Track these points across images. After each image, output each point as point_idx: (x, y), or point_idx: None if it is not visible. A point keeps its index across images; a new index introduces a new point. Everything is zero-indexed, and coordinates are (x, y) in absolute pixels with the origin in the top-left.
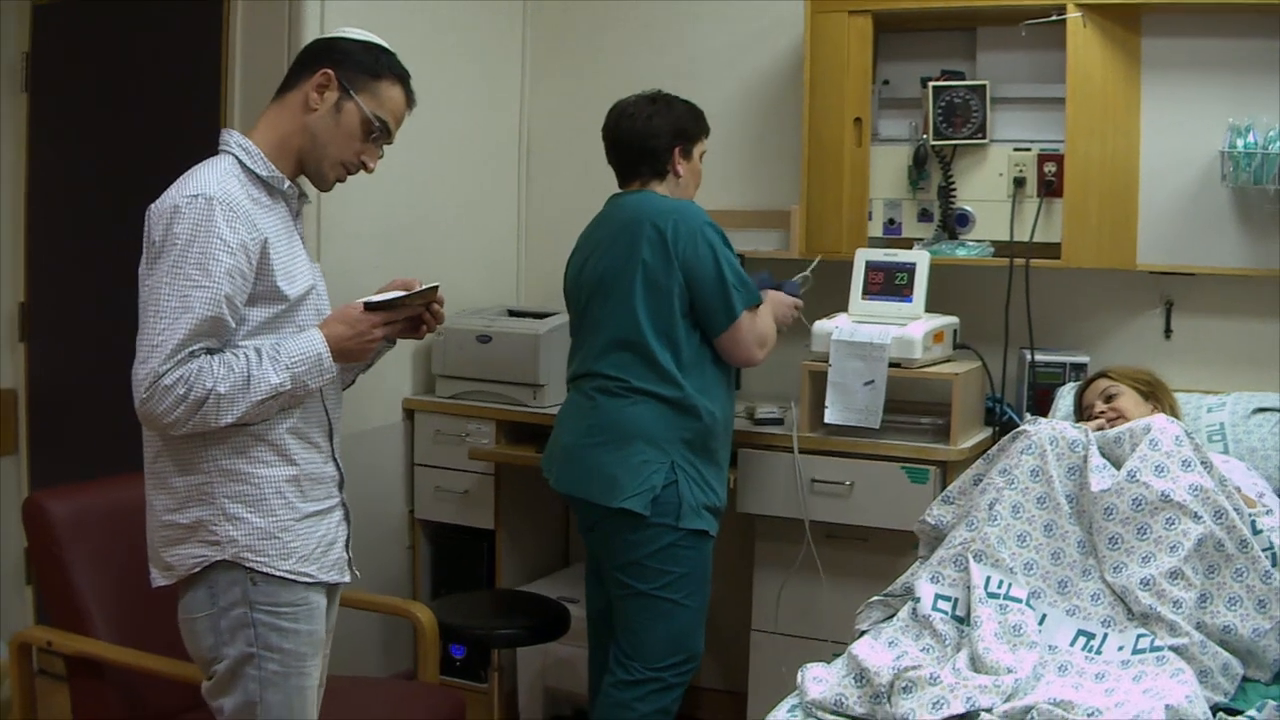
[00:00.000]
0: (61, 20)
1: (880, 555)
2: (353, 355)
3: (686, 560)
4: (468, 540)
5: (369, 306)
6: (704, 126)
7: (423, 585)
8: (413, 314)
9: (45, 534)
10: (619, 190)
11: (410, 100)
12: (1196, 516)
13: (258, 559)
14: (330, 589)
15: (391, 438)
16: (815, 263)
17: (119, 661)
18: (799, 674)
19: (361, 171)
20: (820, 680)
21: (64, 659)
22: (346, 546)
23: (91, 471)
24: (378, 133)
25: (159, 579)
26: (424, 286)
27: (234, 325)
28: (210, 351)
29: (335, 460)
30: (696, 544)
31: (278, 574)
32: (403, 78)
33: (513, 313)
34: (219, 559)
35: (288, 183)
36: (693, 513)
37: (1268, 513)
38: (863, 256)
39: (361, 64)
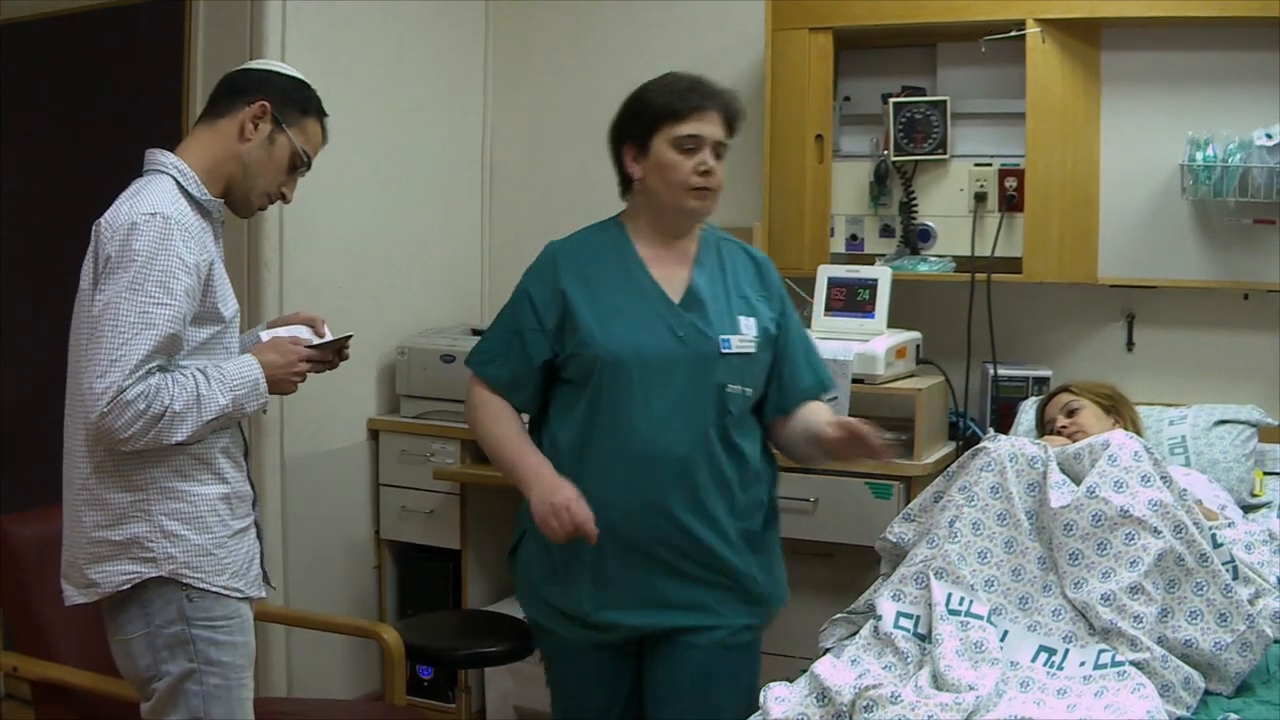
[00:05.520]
0: (22, 39)
1: (845, 571)
2: (278, 386)
3: None
4: (434, 560)
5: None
6: (649, 107)
7: (389, 606)
8: (326, 359)
9: (11, 559)
10: None
11: (325, 137)
12: (1156, 531)
13: (194, 575)
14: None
15: (356, 458)
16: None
17: (84, 686)
18: (762, 693)
19: (280, 201)
20: (782, 700)
21: (30, 684)
22: (261, 562)
23: (57, 496)
24: (303, 166)
25: (76, 596)
26: (343, 335)
27: (185, 345)
28: (162, 370)
29: (250, 480)
30: None
31: (213, 589)
32: (323, 115)
33: (476, 332)
34: (152, 576)
35: (219, 206)
36: None
37: (1229, 525)
38: (825, 273)
39: (294, 100)
